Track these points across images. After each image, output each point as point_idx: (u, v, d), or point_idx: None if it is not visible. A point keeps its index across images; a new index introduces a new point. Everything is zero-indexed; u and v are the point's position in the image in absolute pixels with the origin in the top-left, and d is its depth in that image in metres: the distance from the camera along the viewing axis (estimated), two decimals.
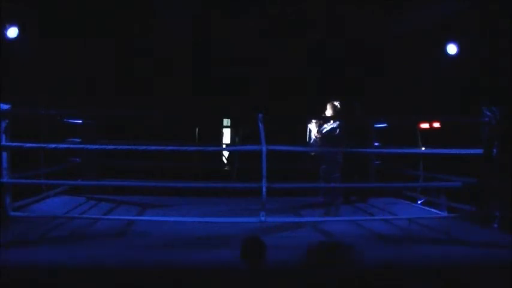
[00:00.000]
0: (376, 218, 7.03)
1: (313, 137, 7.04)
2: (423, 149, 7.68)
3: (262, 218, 5.53)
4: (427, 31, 8.49)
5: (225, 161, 11.43)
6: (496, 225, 5.89)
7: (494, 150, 5.88)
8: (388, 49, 9.27)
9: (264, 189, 5.54)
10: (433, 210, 7.30)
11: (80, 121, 8.63)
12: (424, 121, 7.64)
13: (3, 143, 5.73)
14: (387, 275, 4.47)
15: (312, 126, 7.01)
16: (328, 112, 7.00)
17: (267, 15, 9.19)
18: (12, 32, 7.43)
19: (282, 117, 9.16)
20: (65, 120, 8.33)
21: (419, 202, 7.87)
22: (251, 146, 6.12)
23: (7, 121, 5.76)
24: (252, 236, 4.37)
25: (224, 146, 11.32)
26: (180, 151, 6.66)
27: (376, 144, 8.71)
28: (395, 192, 8.43)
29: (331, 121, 6.93)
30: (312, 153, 7.27)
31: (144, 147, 6.38)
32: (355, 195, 8.39)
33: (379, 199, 8.25)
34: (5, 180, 5.74)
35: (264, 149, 5.58)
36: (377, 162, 8.79)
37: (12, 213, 5.81)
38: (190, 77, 10.19)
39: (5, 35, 7.37)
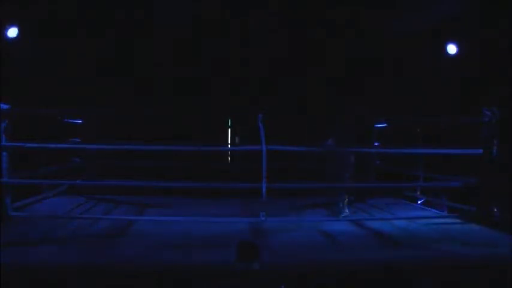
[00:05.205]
0: (376, 218, 7.04)
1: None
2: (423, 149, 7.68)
3: (262, 218, 5.54)
4: (427, 31, 8.48)
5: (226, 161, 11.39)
6: (496, 225, 5.89)
7: (494, 150, 5.87)
8: (388, 49, 9.25)
9: (264, 189, 5.54)
10: (433, 210, 7.31)
11: (80, 121, 8.65)
12: (424, 121, 7.64)
13: (3, 143, 5.73)
14: (387, 275, 4.47)
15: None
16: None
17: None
18: (12, 32, 7.43)
19: (282, 117, 9.15)
20: (65, 120, 8.34)
21: (419, 202, 7.88)
22: (251, 146, 6.11)
23: (7, 121, 5.77)
24: (244, 240, 4.35)
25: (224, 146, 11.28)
26: (181, 151, 6.67)
27: (376, 144, 8.71)
28: (395, 192, 8.42)
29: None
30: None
31: (144, 147, 6.38)
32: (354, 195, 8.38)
33: (379, 199, 8.26)
34: (5, 180, 5.75)
35: (264, 149, 5.58)
36: (377, 162, 8.78)
37: (13, 213, 5.82)
38: (190, 77, 10.16)
39: (5, 35, 7.36)
